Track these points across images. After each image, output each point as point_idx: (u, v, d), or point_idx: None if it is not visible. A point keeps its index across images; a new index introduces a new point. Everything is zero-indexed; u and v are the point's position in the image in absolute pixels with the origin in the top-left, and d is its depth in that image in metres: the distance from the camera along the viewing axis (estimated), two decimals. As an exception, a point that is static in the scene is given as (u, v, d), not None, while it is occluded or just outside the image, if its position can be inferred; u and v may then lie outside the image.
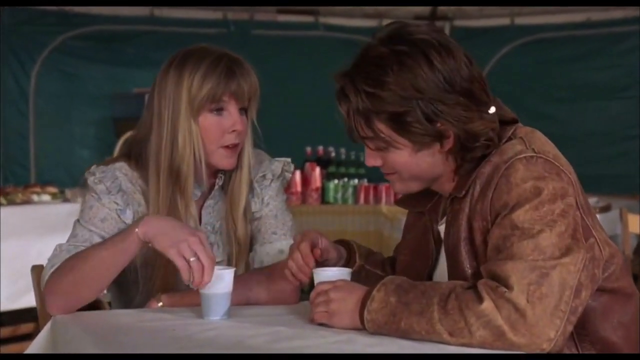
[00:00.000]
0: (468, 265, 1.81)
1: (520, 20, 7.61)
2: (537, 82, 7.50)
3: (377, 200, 5.92)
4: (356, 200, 5.94)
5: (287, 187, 5.69)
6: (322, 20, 7.70)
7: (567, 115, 7.27)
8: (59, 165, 6.91)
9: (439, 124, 1.77)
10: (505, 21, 7.66)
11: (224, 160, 2.13)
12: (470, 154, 1.81)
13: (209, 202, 2.22)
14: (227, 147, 2.12)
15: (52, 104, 7.06)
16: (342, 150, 6.06)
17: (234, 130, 2.11)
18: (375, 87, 1.76)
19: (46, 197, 5.12)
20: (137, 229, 1.92)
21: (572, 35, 7.43)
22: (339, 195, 5.94)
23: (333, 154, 6.07)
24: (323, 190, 5.93)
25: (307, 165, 5.92)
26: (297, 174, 5.79)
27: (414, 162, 1.82)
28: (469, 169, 1.83)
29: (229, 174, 2.21)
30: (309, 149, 6.08)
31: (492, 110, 1.81)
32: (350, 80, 1.79)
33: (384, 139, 1.80)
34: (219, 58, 2.10)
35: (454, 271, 1.83)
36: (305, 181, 5.87)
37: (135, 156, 2.16)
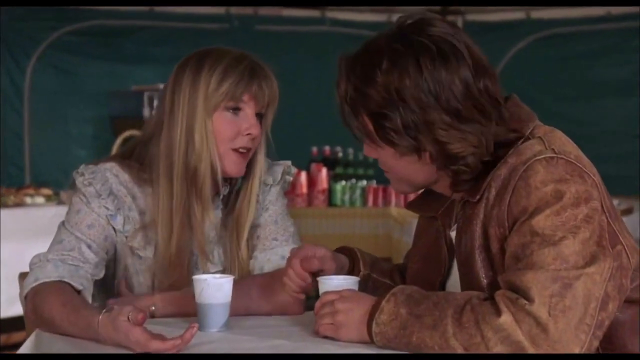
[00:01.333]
0: (484, 275, 1.73)
1: (536, 14, 7.50)
2: (553, 78, 7.42)
3: (387, 202, 5.90)
4: (364, 202, 5.93)
5: (292, 189, 5.58)
6: (329, 14, 7.67)
7: (584, 113, 7.24)
8: (54, 166, 6.88)
9: (414, 138, 1.69)
10: (520, 15, 7.56)
11: (232, 166, 2.06)
12: (457, 176, 1.72)
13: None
14: (238, 152, 2.05)
15: (47, 102, 7.06)
16: (350, 151, 6.05)
17: (248, 134, 2.04)
18: (363, 82, 1.71)
19: (40, 200, 5.10)
20: (99, 330, 1.71)
21: (591, 30, 7.32)
22: (347, 197, 5.92)
23: (340, 154, 6.06)
24: (330, 192, 5.92)
25: (313, 166, 5.91)
26: (303, 175, 5.78)
27: (400, 164, 1.76)
28: (467, 186, 1.74)
29: (235, 184, 2.13)
30: (315, 149, 6.07)
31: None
32: (346, 67, 1.75)
33: (369, 134, 1.74)
34: (241, 57, 2.06)
35: (468, 281, 1.76)
36: (311, 183, 5.85)
37: (139, 158, 2.09)
